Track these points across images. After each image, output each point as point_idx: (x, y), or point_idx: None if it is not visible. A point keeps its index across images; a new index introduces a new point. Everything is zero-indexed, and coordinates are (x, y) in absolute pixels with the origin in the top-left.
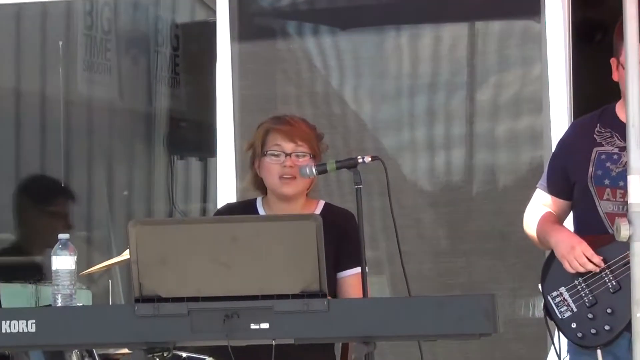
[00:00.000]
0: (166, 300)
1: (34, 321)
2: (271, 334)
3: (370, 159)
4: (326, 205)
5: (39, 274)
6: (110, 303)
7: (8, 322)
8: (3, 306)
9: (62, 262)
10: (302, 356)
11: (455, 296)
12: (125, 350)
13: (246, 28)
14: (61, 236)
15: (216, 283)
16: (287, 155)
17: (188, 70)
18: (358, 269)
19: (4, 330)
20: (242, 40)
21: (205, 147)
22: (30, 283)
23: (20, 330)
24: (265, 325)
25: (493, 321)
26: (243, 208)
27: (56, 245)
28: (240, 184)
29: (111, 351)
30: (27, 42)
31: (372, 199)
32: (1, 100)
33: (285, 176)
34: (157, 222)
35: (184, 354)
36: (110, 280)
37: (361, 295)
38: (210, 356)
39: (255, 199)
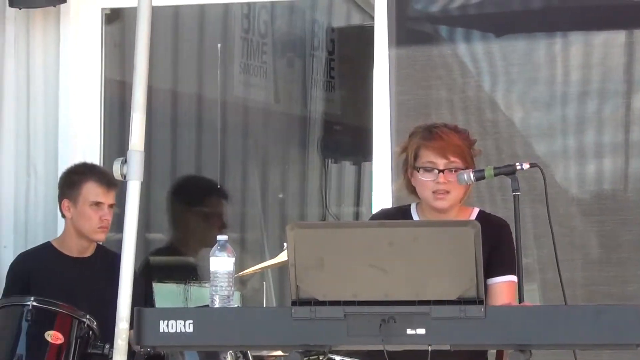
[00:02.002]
0: (323, 303)
1: (191, 321)
2: (427, 339)
3: (528, 165)
4: (480, 212)
5: (193, 274)
6: (264, 305)
7: (166, 321)
8: (157, 306)
9: (221, 263)
10: None
11: (613, 305)
12: (279, 353)
13: (403, 33)
14: (220, 237)
15: (373, 287)
16: (440, 171)
17: (343, 74)
18: (507, 277)
19: (161, 330)
20: (400, 45)
21: (360, 151)
22: (182, 283)
23: (178, 330)
24: (421, 331)
25: None
26: (398, 214)
27: (215, 247)
28: (396, 189)
29: (264, 353)
30: (185, 44)
31: (524, 205)
32: (159, 102)
33: (439, 192)
34: (315, 226)
35: (337, 358)
36: (264, 283)
37: (509, 303)
38: None
39: (410, 205)
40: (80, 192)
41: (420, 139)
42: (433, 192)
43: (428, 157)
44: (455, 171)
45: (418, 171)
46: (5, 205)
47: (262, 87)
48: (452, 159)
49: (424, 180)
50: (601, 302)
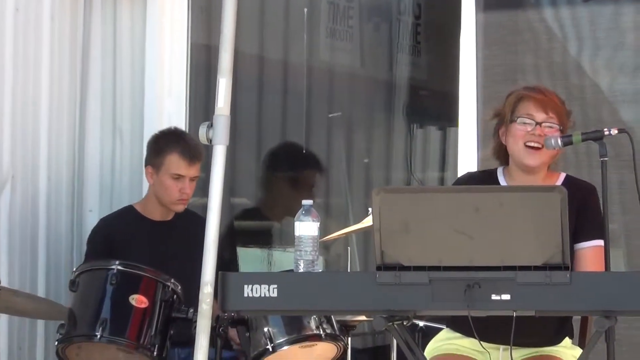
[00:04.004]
0: (407, 268)
1: (275, 286)
2: (512, 305)
3: (616, 131)
4: (567, 177)
5: (276, 239)
6: (349, 270)
7: (250, 286)
8: (240, 270)
9: (306, 228)
10: (540, 328)
11: None
12: (362, 318)
13: None
14: (305, 202)
15: (458, 253)
16: (538, 124)
17: (429, 39)
18: (595, 242)
19: (246, 294)
20: (487, 10)
21: (445, 116)
22: (266, 248)
23: (262, 295)
24: (506, 297)
25: None
26: (484, 177)
27: (300, 211)
28: (482, 152)
29: (348, 318)
30: (271, 8)
31: (610, 171)
32: (245, 66)
33: (529, 143)
34: (401, 190)
35: (421, 323)
36: (348, 247)
37: (596, 268)
38: (446, 326)
39: (496, 168)
40: (162, 162)
41: (522, 91)
42: (525, 144)
43: (528, 108)
44: (552, 128)
45: (515, 121)
46: (91, 169)
47: (348, 51)
48: (551, 114)
49: (519, 132)
50: None
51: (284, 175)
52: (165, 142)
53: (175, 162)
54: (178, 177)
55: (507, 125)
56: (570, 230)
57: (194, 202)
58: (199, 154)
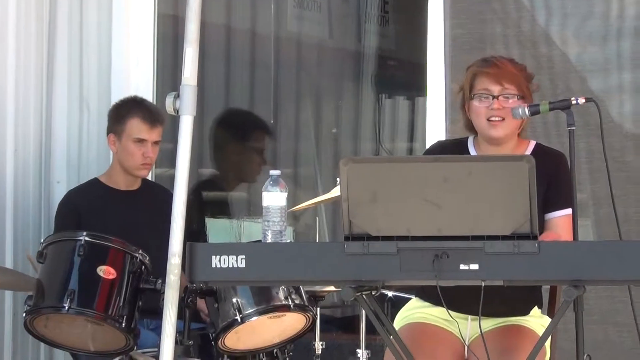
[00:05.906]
0: (376, 238)
1: (243, 257)
2: (481, 275)
3: (584, 100)
4: (537, 145)
5: (246, 209)
6: (317, 240)
7: (218, 257)
8: (210, 241)
9: (273, 198)
10: (509, 297)
11: None
12: (331, 288)
13: None
14: (272, 172)
15: (426, 222)
16: (495, 97)
17: (397, 9)
18: (566, 211)
19: (214, 265)
20: None
21: (414, 86)
22: (235, 218)
23: (230, 266)
24: (474, 267)
25: None
26: (454, 147)
27: (267, 182)
28: (450, 124)
29: (317, 288)
30: None
31: (578, 140)
32: (212, 37)
33: (492, 118)
34: (369, 160)
35: (390, 293)
36: (317, 218)
37: (568, 237)
38: (416, 296)
39: (467, 138)
40: (124, 128)
41: (476, 67)
42: (487, 119)
43: (483, 84)
44: (509, 98)
45: (473, 99)
46: (58, 141)
47: (316, 21)
48: (507, 85)
49: (479, 108)
50: None
51: (236, 144)
52: (126, 109)
53: (136, 127)
54: (140, 142)
55: (468, 102)
56: (541, 199)
57: (162, 173)
58: (160, 118)
